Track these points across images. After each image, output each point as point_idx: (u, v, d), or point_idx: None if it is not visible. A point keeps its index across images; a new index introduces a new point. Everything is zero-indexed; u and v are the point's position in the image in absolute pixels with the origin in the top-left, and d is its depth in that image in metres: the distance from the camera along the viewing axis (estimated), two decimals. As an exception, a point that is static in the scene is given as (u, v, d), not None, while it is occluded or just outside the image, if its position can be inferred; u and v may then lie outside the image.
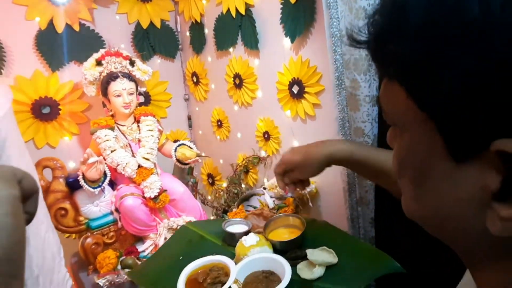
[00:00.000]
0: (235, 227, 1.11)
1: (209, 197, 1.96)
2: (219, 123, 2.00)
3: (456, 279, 0.49)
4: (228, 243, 1.09)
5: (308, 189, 1.41)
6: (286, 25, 1.38)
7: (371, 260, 0.89)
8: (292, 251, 0.98)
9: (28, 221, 0.35)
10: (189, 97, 2.24)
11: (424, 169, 0.32)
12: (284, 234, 1.05)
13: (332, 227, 1.07)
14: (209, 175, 2.19)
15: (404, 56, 0.29)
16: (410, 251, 1.26)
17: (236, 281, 0.89)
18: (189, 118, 2.28)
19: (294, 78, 1.42)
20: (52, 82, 1.75)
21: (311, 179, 1.45)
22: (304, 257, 0.91)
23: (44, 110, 1.74)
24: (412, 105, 0.30)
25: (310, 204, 1.44)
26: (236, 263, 0.95)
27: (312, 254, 0.90)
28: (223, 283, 0.87)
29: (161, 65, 2.12)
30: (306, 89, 1.38)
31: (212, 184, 2.18)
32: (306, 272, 0.89)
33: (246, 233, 1.05)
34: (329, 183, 1.41)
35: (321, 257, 0.88)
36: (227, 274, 0.90)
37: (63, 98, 1.79)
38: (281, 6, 1.38)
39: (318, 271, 0.86)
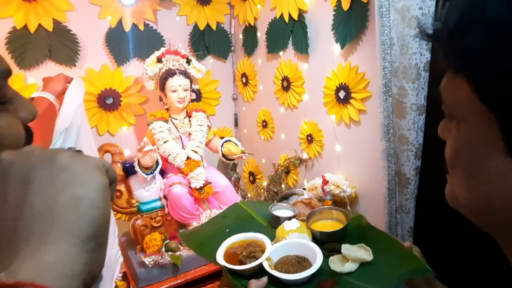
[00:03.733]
0: (281, 212, 1.14)
1: (249, 194, 2.04)
2: (264, 124, 2.07)
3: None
4: (272, 225, 1.11)
5: (347, 192, 1.44)
6: (337, 31, 1.42)
7: (403, 263, 0.89)
8: (330, 243, 0.99)
9: None
10: (237, 97, 2.34)
11: (480, 161, 0.33)
12: (326, 226, 1.06)
13: (372, 226, 1.06)
14: (251, 173, 2.27)
15: (476, 51, 0.30)
16: (449, 264, 1.25)
17: (268, 259, 0.92)
18: (236, 117, 2.37)
19: (341, 83, 1.45)
20: (117, 75, 1.93)
21: (351, 184, 1.48)
22: (340, 251, 0.93)
23: (108, 101, 1.91)
24: (475, 99, 0.31)
25: (348, 207, 1.46)
26: (274, 244, 0.99)
27: (348, 249, 0.90)
28: (257, 259, 0.90)
29: (213, 65, 2.24)
30: (353, 95, 1.41)
31: (253, 182, 2.25)
32: (337, 265, 0.89)
33: (290, 218, 1.08)
34: (369, 188, 1.42)
35: (356, 253, 0.89)
36: (262, 252, 0.93)
37: (125, 91, 1.96)
38: (334, 13, 1.42)
39: (350, 266, 0.87)
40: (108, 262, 1.17)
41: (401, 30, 1.05)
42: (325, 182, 1.51)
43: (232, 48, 2.25)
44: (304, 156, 1.78)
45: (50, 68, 1.80)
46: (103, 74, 1.90)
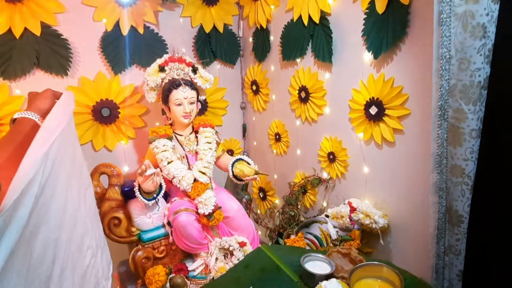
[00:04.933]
0: (315, 265, 0.97)
1: (259, 212, 1.85)
2: (277, 137, 1.88)
3: None
4: (305, 282, 0.96)
5: (380, 223, 1.25)
6: (369, 38, 1.22)
7: None
8: None
9: None
10: (246, 106, 2.15)
11: None
12: (373, 287, 0.89)
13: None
14: (261, 189, 2.08)
15: None
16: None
17: None
18: (244, 127, 2.18)
19: (372, 97, 1.26)
20: (114, 85, 1.73)
21: (383, 213, 1.29)
22: None
23: (104, 113, 1.72)
24: None
25: (381, 241, 1.27)
26: None
27: None
28: None
29: (220, 71, 2.04)
30: (387, 112, 1.22)
31: (264, 199, 2.06)
32: None
33: (328, 276, 0.91)
34: (407, 220, 1.24)
35: None
36: None
37: (123, 102, 1.76)
38: (365, 16, 1.23)
39: None
40: None
41: (461, 41, 0.85)
42: (353, 209, 1.32)
43: (241, 52, 2.06)
44: (324, 175, 1.59)
45: (39, 78, 1.61)
46: (99, 84, 1.70)
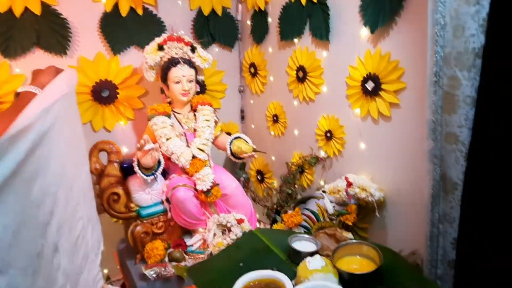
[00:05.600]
0: (302, 244, 1.02)
1: (259, 195, 1.87)
2: (275, 118, 1.90)
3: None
4: (293, 260, 1.00)
5: (376, 196, 1.27)
6: (366, 13, 1.24)
7: None
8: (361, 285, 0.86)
9: None
10: (244, 89, 2.16)
11: None
12: (355, 264, 0.94)
13: (410, 265, 0.94)
14: (259, 172, 2.10)
15: None
16: (497, 282, 1.09)
17: None
18: (242, 111, 2.19)
19: (369, 73, 1.28)
20: (113, 65, 1.74)
21: (379, 187, 1.31)
22: None
23: (103, 94, 1.73)
24: None
25: (377, 213, 1.30)
26: (295, 285, 0.88)
27: None
28: None
29: (218, 54, 2.05)
30: (383, 86, 1.24)
31: (261, 181, 2.08)
32: None
33: (313, 253, 0.96)
34: (403, 192, 1.26)
35: None
36: None
37: (122, 82, 1.77)
38: (362, -9, 1.24)
39: None
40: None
41: (455, 8, 0.87)
42: (349, 184, 1.34)
43: (239, 36, 2.07)
44: (321, 154, 1.61)
45: (39, 57, 1.61)
46: (98, 64, 1.71)
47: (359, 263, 0.97)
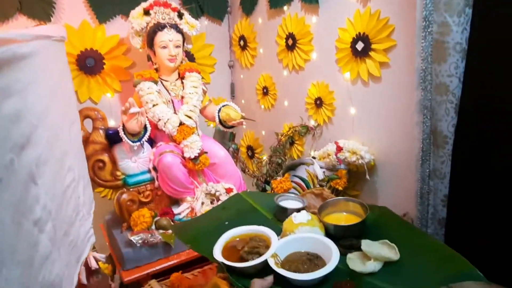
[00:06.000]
0: (289, 203, 1.00)
1: (249, 166, 1.85)
2: (264, 91, 1.87)
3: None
4: (279, 218, 0.99)
5: (366, 159, 1.25)
6: (356, -29, 1.21)
7: (443, 263, 0.74)
8: (347, 238, 0.84)
9: None
10: (234, 64, 2.13)
11: None
12: (342, 220, 0.93)
13: (398, 217, 0.93)
14: (249, 148, 2.07)
15: None
16: (488, 240, 1.08)
17: (274, 256, 0.80)
18: (232, 86, 2.16)
19: (359, 33, 1.25)
20: (98, 34, 1.69)
21: (370, 151, 1.29)
22: (360, 248, 0.79)
23: (88, 63, 1.68)
24: None
25: (367, 176, 1.28)
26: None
27: (369, 245, 0.78)
28: (261, 255, 0.78)
29: (208, 27, 2.01)
30: (373, 46, 1.22)
31: (252, 157, 2.06)
32: (357, 263, 0.77)
33: (299, 210, 0.94)
34: (393, 152, 1.24)
35: (378, 250, 0.76)
36: (267, 247, 0.82)
37: (108, 52, 1.72)
38: (352, -51, 1.22)
39: (372, 266, 0.75)
40: (72, 241, 0.95)
41: (446, -51, 0.85)
42: (339, 149, 1.32)
43: (229, 9, 2.03)
44: (311, 123, 1.59)
45: (21, 23, 1.56)
46: (83, 32, 1.66)
47: (345, 219, 0.95)
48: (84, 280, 1.31)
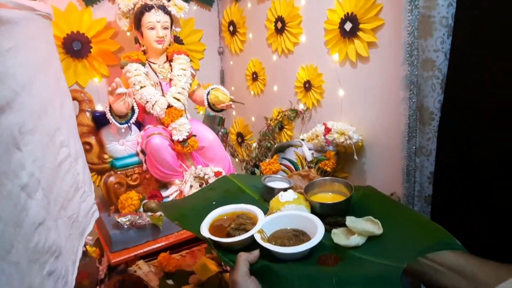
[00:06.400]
0: (275, 183, 1.01)
1: (238, 150, 1.84)
2: (254, 76, 1.86)
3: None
4: (266, 199, 0.99)
5: (354, 139, 1.26)
6: (344, -50, 1.21)
7: (423, 234, 0.75)
8: (332, 216, 0.86)
9: None
10: (224, 50, 2.11)
11: None
12: (327, 199, 0.94)
13: (382, 194, 0.94)
14: (239, 134, 2.07)
15: None
16: (473, 217, 1.09)
17: (261, 231, 0.80)
18: (222, 73, 2.15)
19: (347, 13, 1.25)
20: (85, 17, 1.66)
21: (358, 132, 1.30)
22: (345, 225, 0.80)
23: (75, 46, 1.65)
24: None
25: (356, 157, 1.29)
26: None
27: (353, 221, 0.78)
28: (247, 231, 0.79)
29: (197, 13, 1.99)
30: (361, 26, 1.22)
31: (242, 143, 2.05)
32: (341, 238, 0.78)
33: (286, 189, 0.94)
34: (380, 133, 1.25)
35: (362, 225, 0.77)
36: (254, 224, 0.82)
37: (95, 36, 1.70)
38: None
39: (356, 240, 0.75)
40: (72, 215, 0.95)
41: None
42: (328, 130, 1.33)
43: (218, -6, 2.01)
44: (301, 107, 1.59)
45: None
46: (69, 15, 1.63)
47: (331, 199, 0.96)
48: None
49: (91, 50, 1.70)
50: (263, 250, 0.75)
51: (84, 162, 1.15)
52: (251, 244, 0.78)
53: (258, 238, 0.78)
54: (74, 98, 1.42)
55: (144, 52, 1.54)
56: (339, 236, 0.79)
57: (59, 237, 0.80)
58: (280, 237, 0.80)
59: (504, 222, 1.02)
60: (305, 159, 1.38)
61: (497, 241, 0.99)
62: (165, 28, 1.48)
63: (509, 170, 0.99)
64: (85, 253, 1.33)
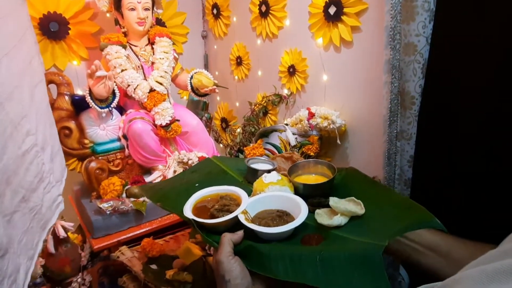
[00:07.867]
0: (259, 165, 1.01)
1: (224, 140, 1.84)
2: (238, 61, 1.84)
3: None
4: (249, 181, 0.99)
5: (337, 123, 1.27)
6: None
7: (404, 213, 0.76)
8: (315, 197, 0.87)
9: None
10: (207, 34, 2.08)
11: None
12: (310, 180, 0.95)
13: (364, 176, 0.95)
14: (223, 120, 2.05)
15: None
16: (452, 200, 1.13)
17: (245, 212, 0.80)
18: (206, 58, 2.12)
19: (332, -3, 1.25)
20: (62, -3, 1.60)
21: (341, 116, 1.31)
22: (328, 206, 0.81)
23: (52, 27, 1.59)
24: None
25: (338, 141, 1.30)
26: None
27: (336, 202, 0.79)
28: (231, 212, 0.79)
29: (179, -5, 1.94)
30: (345, 10, 1.21)
31: (226, 129, 2.04)
32: (324, 218, 0.79)
33: (269, 171, 0.94)
34: (363, 117, 1.26)
35: (345, 206, 0.78)
36: (238, 205, 0.82)
37: (73, 17, 1.63)
38: None
39: (339, 219, 0.77)
40: (35, 207, 0.91)
41: None
42: (311, 114, 1.33)
43: (201, -25, 1.96)
44: (285, 92, 1.59)
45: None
46: (45, -6, 1.56)
47: (314, 180, 0.97)
48: (52, 249, 1.28)
49: (69, 31, 1.64)
50: (247, 231, 0.76)
51: (55, 150, 1.10)
52: (235, 225, 0.79)
53: (242, 218, 0.78)
54: (51, 81, 1.38)
55: (125, 34, 1.49)
56: (322, 216, 0.80)
57: (6, 234, 0.76)
58: (264, 217, 0.81)
59: (482, 203, 1.05)
60: (289, 144, 1.39)
61: (475, 220, 1.03)
62: (146, 9, 1.44)
63: (487, 153, 1.02)
64: (66, 240, 1.31)
